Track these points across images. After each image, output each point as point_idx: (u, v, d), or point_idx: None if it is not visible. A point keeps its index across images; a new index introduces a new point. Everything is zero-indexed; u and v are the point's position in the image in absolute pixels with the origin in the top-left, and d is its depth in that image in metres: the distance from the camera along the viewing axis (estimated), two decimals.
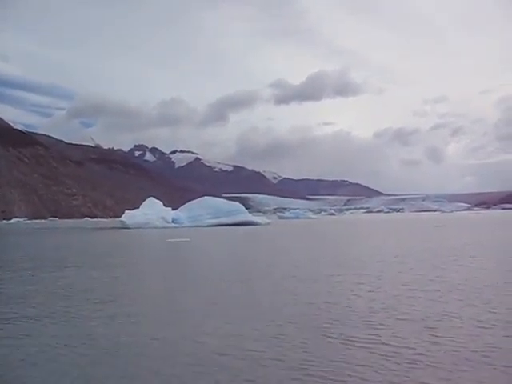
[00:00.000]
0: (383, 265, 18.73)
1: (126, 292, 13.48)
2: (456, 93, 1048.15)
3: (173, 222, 68.82)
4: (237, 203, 73.28)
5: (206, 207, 71.29)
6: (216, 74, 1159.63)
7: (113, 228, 72.12)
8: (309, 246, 31.98)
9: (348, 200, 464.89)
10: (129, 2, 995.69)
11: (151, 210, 69.68)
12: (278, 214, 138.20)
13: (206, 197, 75.56)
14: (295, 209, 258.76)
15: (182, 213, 71.64)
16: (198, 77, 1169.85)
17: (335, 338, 8.16)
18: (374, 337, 8.20)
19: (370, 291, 12.73)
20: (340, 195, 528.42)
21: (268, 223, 72.52)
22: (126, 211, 71.17)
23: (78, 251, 29.81)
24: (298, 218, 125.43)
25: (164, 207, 73.25)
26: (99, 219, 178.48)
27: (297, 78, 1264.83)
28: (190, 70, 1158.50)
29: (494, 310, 10.13)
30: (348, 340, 8.02)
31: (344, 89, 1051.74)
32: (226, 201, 74.02)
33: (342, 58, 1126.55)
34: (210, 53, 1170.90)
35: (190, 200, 76.93)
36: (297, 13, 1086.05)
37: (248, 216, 71.74)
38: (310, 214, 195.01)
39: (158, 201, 74.93)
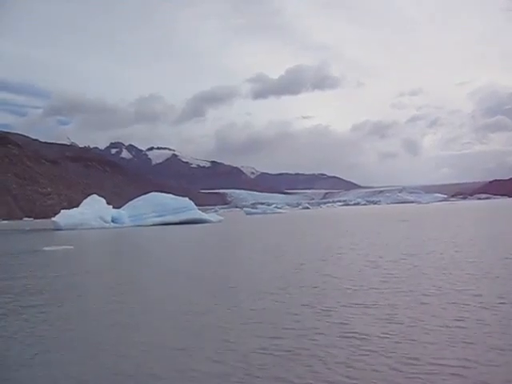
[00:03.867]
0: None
1: None
2: (432, 85, 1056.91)
3: (113, 221, 62.07)
4: (186, 199, 66.63)
5: (151, 204, 64.70)
6: (193, 70, 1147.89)
7: (39, 230, 65.53)
8: (237, 246, 25.92)
9: (326, 193, 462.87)
10: None
11: (90, 209, 62.79)
12: (245, 209, 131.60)
13: (152, 193, 68.94)
14: (268, 203, 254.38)
15: (125, 211, 64.96)
16: (175, 73, 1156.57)
17: None
18: None
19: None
20: (318, 189, 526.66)
21: (220, 221, 66.16)
22: (63, 210, 64.14)
23: None
24: (265, 213, 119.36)
25: (106, 205, 66.47)
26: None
27: (275, 72, 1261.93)
28: (168, 67, 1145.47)
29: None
30: None
31: (322, 83, 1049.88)
32: (174, 197, 67.38)
33: (320, 52, 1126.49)
34: (187, 49, 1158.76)
35: None
36: (272, 10, 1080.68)
37: (197, 213, 65.15)
38: (284, 209, 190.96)
39: (102, 198, 68.19)
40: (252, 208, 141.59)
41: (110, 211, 63.25)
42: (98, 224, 60.11)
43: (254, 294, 11.75)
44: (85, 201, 67.29)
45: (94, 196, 68.98)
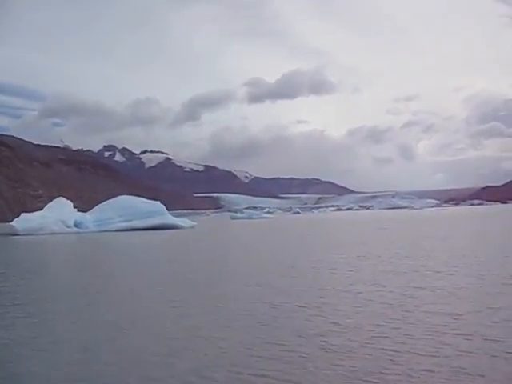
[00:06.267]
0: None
1: None
2: (428, 91, 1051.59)
3: (76, 226, 58.01)
4: (157, 203, 62.60)
5: (118, 208, 60.69)
6: (190, 73, 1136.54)
7: None
8: (178, 258, 22.22)
9: (319, 198, 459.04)
10: (99, 3, 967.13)
11: (52, 213, 58.76)
12: (230, 213, 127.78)
13: (121, 196, 64.94)
14: (261, 208, 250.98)
15: (90, 215, 60.98)
16: (171, 76, 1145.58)
17: None
18: None
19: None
20: (311, 193, 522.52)
21: (192, 226, 62.16)
22: (23, 214, 60.09)
23: None
24: (250, 218, 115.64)
25: (72, 209, 62.50)
26: None
27: (271, 76, 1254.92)
28: (164, 70, 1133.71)
29: None
30: None
31: (318, 88, 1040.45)
32: (144, 200, 63.43)
33: (316, 57, 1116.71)
34: (184, 53, 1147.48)
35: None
36: (269, 14, 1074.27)
37: (167, 218, 61.13)
38: (275, 213, 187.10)
39: (68, 201, 64.25)
40: (238, 212, 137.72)
41: (73, 215, 59.16)
42: (59, 229, 56.07)
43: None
44: (49, 204, 63.40)
45: (60, 199, 65.09)
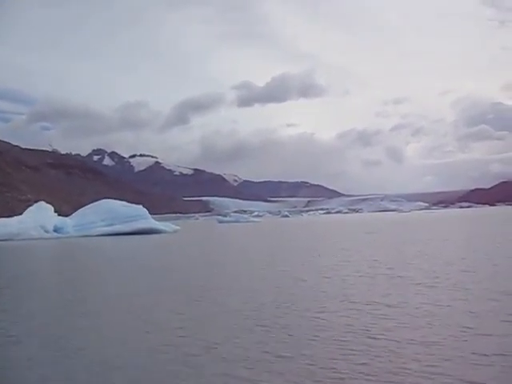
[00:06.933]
0: None
1: None
2: (417, 94, 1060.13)
3: (56, 231, 56.40)
4: (140, 207, 61.20)
5: (100, 212, 59.22)
6: (179, 76, 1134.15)
7: None
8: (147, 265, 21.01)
9: (308, 201, 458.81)
10: (88, 4, 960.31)
11: (31, 218, 57.08)
12: (217, 217, 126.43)
13: (104, 200, 63.42)
14: (250, 211, 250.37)
15: (71, 220, 59.44)
16: (161, 80, 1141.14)
17: None
18: None
19: None
20: (301, 197, 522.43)
21: (175, 231, 60.80)
22: (0, 219, 58.34)
23: None
24: (237, 221, 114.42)
25: (52, 214, 60.87)
26: None
27: (261, 80, 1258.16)
28: (154, 73, 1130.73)
29: None
30: None
31: (308, 91, 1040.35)
32: (127, 204, 62.02)
33: (306, 60, 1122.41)
34: (174, 56, 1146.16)
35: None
36: (258, 17, 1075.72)
37: (150, 223, 59.71)
38: (264, 217, 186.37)
39: (49, 205, 62.63)
40: (225, 216, 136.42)
41: (52, 220, 57.52)
42: (38, 234, 54.33)
43: None
44: (29, 208, 61.69)
45: (41, 203, 63.37)
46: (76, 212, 62.57)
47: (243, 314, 10.40)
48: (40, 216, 58.15)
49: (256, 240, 42.55)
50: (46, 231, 55.39)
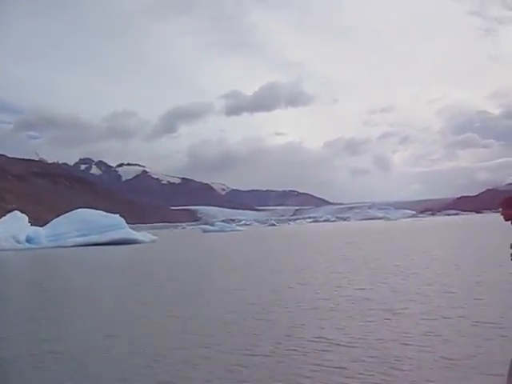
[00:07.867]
0: None
1: None
2: (403, 102, 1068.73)
3: (28, 242, 54.66)
4: (116, 216, 59.70)
5: (75, 222, 57.59)
6: (167, 85, 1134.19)
7: None
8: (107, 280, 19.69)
9: (296, 210, 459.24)
10: (76, 14, 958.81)
11: (3, 228, 55.28)
12: (202, 226, 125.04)
13: (79, 209, 61.85)
14: (238, 220, 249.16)
15: (44, 230, 57.77)
16: (149, 89, 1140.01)
17: None
18: None
19: None
20: (289, 205, 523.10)
21: (153, 241, 59.29)
22: None
23: None
24: (222, 230, 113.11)
25: (27, 223, 59.24)
26: None
27: (249, 89, 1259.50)
28: (142, 83, 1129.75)
29: None
30: None
31: (296, 100, 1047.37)
32: (103, 213, 60.50)
33: (294, 69, 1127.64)
34: (161, 65, 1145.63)
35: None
36: (246, 27, 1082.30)
37: (126, 233, 58.18)
38: (252, 225, 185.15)
39: (24, 215, 60.97)
40: (211, 225, 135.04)
41: (24, 230, 55.80)
42: (9, 245, 52.56)
43: None
44: (2, 218, 59.97)
45: (15, 213, 61.70)
46: (51, 222, 60.91)
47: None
48: (12, 226, 56.49)
49: (233, 251, 41.30)
50: (18, 242, 53.61)
